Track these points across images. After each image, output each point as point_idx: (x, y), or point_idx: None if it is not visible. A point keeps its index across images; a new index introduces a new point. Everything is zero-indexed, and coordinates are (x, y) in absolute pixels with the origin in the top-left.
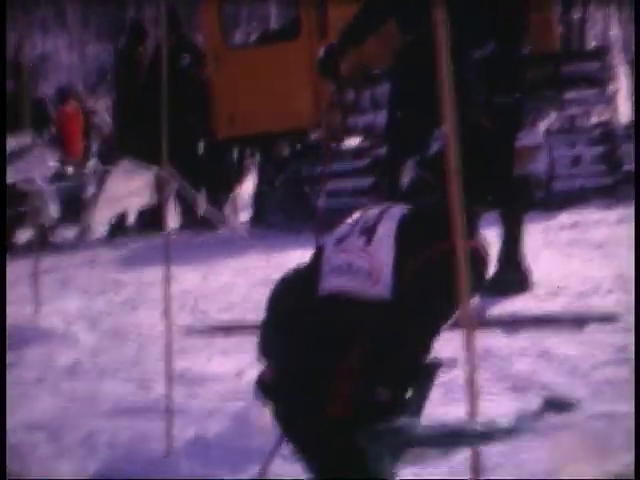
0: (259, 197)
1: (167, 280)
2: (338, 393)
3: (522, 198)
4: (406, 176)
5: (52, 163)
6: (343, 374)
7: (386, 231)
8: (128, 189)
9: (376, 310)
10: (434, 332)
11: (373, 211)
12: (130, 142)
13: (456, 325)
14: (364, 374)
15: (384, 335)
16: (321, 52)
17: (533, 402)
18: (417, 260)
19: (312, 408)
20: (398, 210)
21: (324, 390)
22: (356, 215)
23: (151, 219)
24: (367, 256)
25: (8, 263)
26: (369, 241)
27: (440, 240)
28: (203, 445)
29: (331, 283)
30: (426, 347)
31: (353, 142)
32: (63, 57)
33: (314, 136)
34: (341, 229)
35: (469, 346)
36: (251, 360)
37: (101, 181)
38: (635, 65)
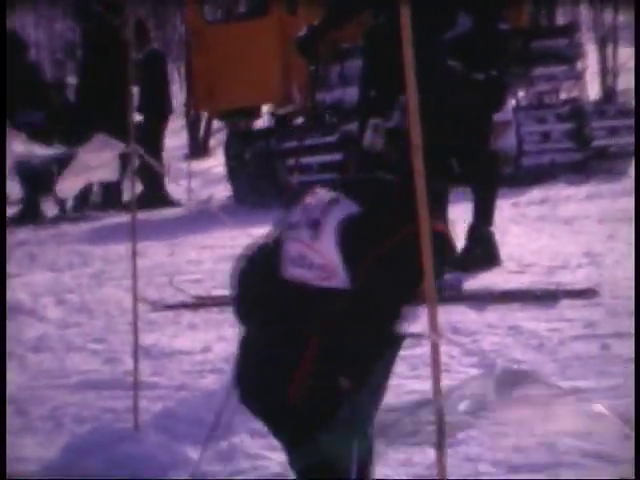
0: (230, 173)
1: (133, 255)
2: (298, 381)
3: (493, 174)
4: (367, 138)
5: (19, 146)
6: (304, 362)
7: (328, 232)
8: (97, 161)
9: (338, 298)
10: (397, 317)
11: (320, 200)
12: (95, 119)
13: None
14: (325, 362)
15: (346, 323)
16: (302, 31)
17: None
18: (379, 248)
19: (273, 396)
20: (343, 209)
21: (285, 378)
22: (307, 198)
23: (114, 195)
24: (316, 252)
25: None
26: (315, 235)
27: (402, 225)
28: (171, 419)
29: (290, 272)
30: (390, 333)
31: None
32: (31, 34)
33: (282, 111)
34: (294, 212)
35: (432, 322)
36: (218, 335)
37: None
38: (635, 59)
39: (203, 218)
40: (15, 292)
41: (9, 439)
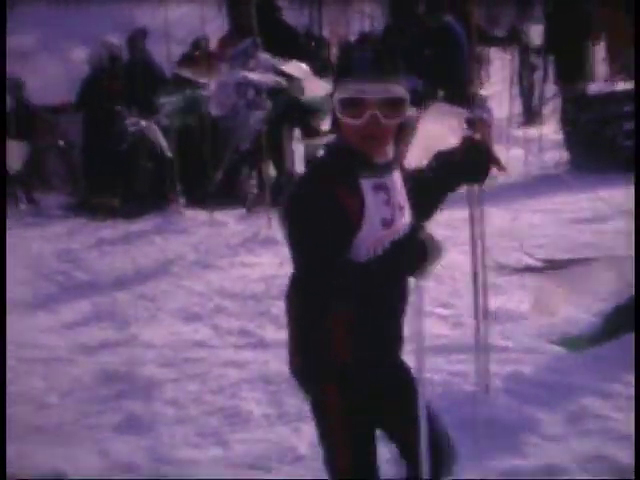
0: (566, 139)
1: (480, 219)
2: None
3: None
4: None
5: None
6: None
7: None
8: (441, 129)
9: None
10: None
11: None
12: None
13: None
14: None
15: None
16: None
17: None
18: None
19: None
20: None
21: None
22: None
23: None
24: None
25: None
26: None
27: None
28: (520, 382)
29: None
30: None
31: None
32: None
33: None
34: None
35: None
36: (564, 300)
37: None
38: (635, 59)
39: (541, 183)
40: None
41: None
